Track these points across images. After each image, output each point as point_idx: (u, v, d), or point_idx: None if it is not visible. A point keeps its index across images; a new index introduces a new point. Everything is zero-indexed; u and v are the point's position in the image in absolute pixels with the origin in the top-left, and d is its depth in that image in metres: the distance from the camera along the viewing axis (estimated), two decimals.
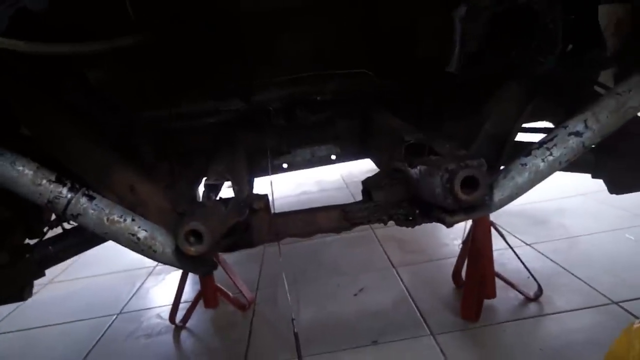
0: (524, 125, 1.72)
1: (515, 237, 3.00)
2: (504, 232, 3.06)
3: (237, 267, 3.28)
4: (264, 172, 1.95)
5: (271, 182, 1.73)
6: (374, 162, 1.81)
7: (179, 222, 1.00)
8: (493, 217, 3.37)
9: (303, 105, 1.82)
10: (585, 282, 2.32)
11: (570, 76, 1.53)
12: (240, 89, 1.81)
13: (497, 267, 2.48)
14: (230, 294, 2.64)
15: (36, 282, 1.63)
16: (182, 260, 1.09)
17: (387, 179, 1.42)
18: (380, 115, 1.75)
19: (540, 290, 2.25)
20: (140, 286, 3.21)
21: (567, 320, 2.05)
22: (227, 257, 3.49)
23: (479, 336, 2.03)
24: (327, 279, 2.85)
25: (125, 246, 1.14)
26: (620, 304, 2.10)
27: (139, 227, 1.11)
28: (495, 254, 2.68)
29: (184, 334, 2.49)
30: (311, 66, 1.73)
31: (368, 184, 1.43)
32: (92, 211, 1.10)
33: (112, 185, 1.29)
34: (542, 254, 2.71)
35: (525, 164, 1.06)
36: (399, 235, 3.38)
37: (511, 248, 2.33)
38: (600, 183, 1.94)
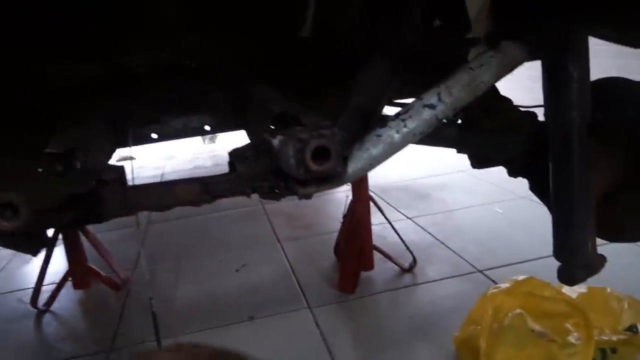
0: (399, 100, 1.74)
1: (399, 211, 3.11)
2: (389, 207, 3.18)
3: (116, 245, 3.10)
4: (135, 141, 1.81)
5: (131, 153, 1.60)
6: (247, 135, 1.74)
7: None
8: (380, 191, 3.49)
9: (176, 72, 1.70)
10: (456, 253, 2.45)
11: (440, 53, 1.56)
12: (103, 50, 1.65)
13: (377, 240, 2.54)
14: (103, 273, 2.46)
15: None
16: (4, 238, 0.95)
17: (253, 150, 1.36)
18: (257, 88, 1.68)
19: (414, 261, 2.34)
20: (3, 267, 2.91)
21: (436, 289, 2.16)
22: (104, 235, 3.28)
23: (354, 307, 2.07)
24: (210, 255, 2.76)
25: None
26: (485, 272, 2.24)
27: None
28: (377, 227, 2.75)
29: (47, 317, 2.29)
30: (187, 32, 1.62)
31: (233, 156, 1.36)
32: None
33: None
34: (421, 227, 2.83)
35: (380, 135, 1.05)
36: (288, 210, 3.37)
37: (389, 222, 2.39)
38: None
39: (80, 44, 1.60)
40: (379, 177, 3.88)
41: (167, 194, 1.31)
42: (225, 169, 1.33)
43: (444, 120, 1.09)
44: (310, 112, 1.33)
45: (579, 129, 1.18)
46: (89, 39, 1.62)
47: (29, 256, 3.02)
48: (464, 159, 2.20)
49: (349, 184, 2.26)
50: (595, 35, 1.02)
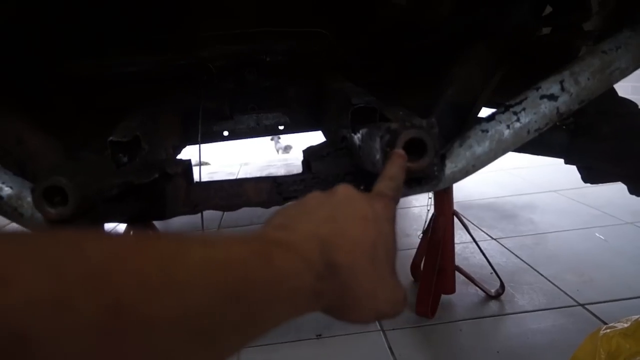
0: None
1: (482, 230, 2.84)
2: (470, 225, 2.91)
3: None
4: (206, 139, 1.73)
5: (199, 148, 1.50)
6: (324, 134, 1.60)
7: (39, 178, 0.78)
8: (459, 208, 3.22)
9: (250, 66, 1.61)
10: (550, 281, 2.16)
11: (550, 45, 1.35)
12: (180, 42, 1.59)
13: (459, 261, 2.30)
14: None
15: None
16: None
17: (331, 148, 1.21)
18: (334, 81, 1.54)
19: (502, 287, 2.08)
20: None
21: (528, 321, 1.89)
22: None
23: (432, 334, 1.85)
24: None
25: None
26: (586, 306, 1.94)
27: (3, 182, 0.87)
28: (458, 247, 2.51)
29: None
30: (261, 23, 1.53)
31: (307, 154, 1.22)
32: None
33: None
34: (508, 250, 2.55)
35: (487, 131, 0.86)
36: None
37: (474, 240, 2.15)
38: (573, 180, 1.76)
39: (155, 36, 1.55)
40: (458, 192, 3.61)
41: (235, 192, 1.19)
42: None
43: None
44: (396, 106, 1.16)
45: None
46: (164, 31, 1.56)
47: None
48: (554, 177, 1.93)
49: (431, 195, 2.05)
50: None
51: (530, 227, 2.86)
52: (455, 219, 2.04)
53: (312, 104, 1.63)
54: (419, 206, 3.26)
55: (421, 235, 2.16)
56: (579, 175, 1.50)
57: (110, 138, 1.12)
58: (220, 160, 6.25)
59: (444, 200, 1.95)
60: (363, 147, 0.97)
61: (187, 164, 1.19)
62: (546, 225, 2.84)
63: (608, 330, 1.35)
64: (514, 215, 3.08)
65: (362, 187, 1.09)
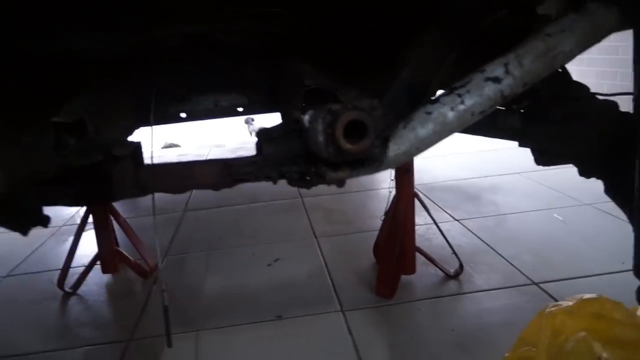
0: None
1: (446, 211, 2.88)
2: (435, 207, 2.95)
3: (147, 232, 3.03)
4: (163, 120, 1.69)
5: (151, 130, 1.47)
6: (281, 116, 1.58)
7: None
8: (425, 190, 3.26)
9: (207, 46, 1.57)
10: (507, 261, 2.21)
11: (506, 30, 1.35)
12: (131, 19, 1.53)
13: (422, 242, 2.34)
14: (132, 259, 2.38)
15: None
16: None
17: (283, 130, 1.20)
18: (292, 62, 1.52)
19: (461, 267, 2.12)
20: (38, 247, 2.89)
21: (484, 300, 1.93)
22: (140, 220, 3.22)
23: (391, 314, 1.87)
24: (244, 247, 2.63)
25: None
26: (541, 284, 2.00)
27: None
28: (421, 228, 2.55)
29: (73, 301, 2.22)
30: (219, 2, 1.48)
31: (260, 136, 1.20)
32: None
33: None
34: (470, 230, 2.59)
35: (430, 113, 0.86)
36: (328, 205, 3.20)
37: (434, 222, 2.18)
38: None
39: (107, 13, 1.49)
40: (424, 174, 3.66)
41: (185, 175, 1.17)
42: None
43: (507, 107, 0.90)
44: (351, 88, 1.15)
45: None
46: (117, 8, 1.50)
47: (64, 237, 3.00)
48: (519, 160, 1.96)
49: (393, 177, 2.06)
50: None
51: (492, 208, 2.91)
52: (416, 201, 2.06)
53: (271, 86, 1.61)
54: (387, 188, 3.29)
55: (383, 217, 2.17)
56: None
57: (54, 119, 1.09)
58: (192, 142, 6.17)
59: (404, 182, 1.97)
60: (309, 129, 0.96)
61: (136, 146, 1.16)
62: (508, 207, 2.90)
63: (553, 309, 1.38)
64: (478, 197, 3.13)
65: (312, 170, 1.08)
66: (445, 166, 3.88)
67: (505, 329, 1.72)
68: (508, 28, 1.38)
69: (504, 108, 1.57)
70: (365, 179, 3.67)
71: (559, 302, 1.42)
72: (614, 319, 1.29)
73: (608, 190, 1.40)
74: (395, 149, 0.85)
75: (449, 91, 0.88)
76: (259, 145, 1.20)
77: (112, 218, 2.35)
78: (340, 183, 0.96)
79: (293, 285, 2.16)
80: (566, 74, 1.54)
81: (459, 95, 0.86)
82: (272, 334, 1.80)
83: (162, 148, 6.05)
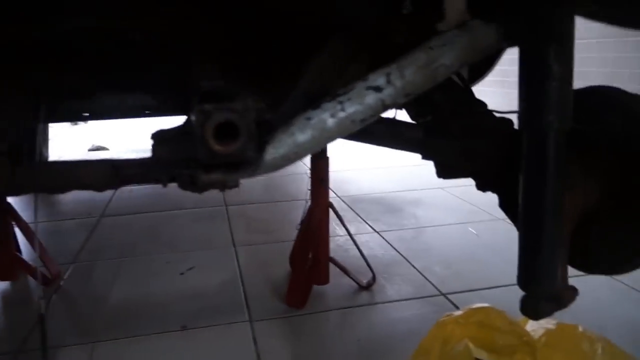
0: None
1: (367, 223, 2.92)
2: (357, 218, 2.98)
3: (59, 237, 2.87)
4: (63, 118, 1.60)
5: (47, 128, 1.39)
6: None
7: None
8: (350, 201, 3.29)
9: (114, 44, 1.51)
10: (420, 272, 2.26)
11: (408, 43, 1.38)
12: (33, 11, 1.45)
13: (340, 253, 2.35)
14: (34, 266, 2.23)
15: None
16: None
17: (179, 132, 1.16)
18: (202, 65, 1.49)
19: (374, 278, 2.14)
20: None
21: (393, 311, 1.95)
22: (53, 225, 3.05)
23: (299, 324, 1.85)
24: (157, 255, 2.53)
25: None
26: (448, 295, 2.05)
27: None
28: (341, 239, 2.57)
29: None
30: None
31: (155, 138, 1.16)
32: None
33: None
34: (387, 242, 2.63)
35: (310, 119, 0.86)
36: (251, 214, 3.16)
37: (349, 233, 2.19)
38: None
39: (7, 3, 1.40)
40: (351, 185, 3.70)
41: (68, 174, 1.11)
42: None
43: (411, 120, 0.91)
44: (249, 93, 1.13)
45: (556, 135, 0.99)
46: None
47: None
48: None
49: (309, 187, 2.06)
50: (582, 14, 0.84)
51: (412, 221, 2.97)
52: (331, 212, 2.06)
53: (178, 86, 1.56)
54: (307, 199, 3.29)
55: (299, 226, 2.16)
56: None
57: None
58: (121, 145, 5.94)
59: (319, 191, 1.97)
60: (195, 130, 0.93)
61: (14, 144, 1.08)
62: (427, 220, 2.97)
63: (446, 318, 1.42)
64: (400, 210, 3.19)
65: (185, 172, 1.04)
66: (372, 179, 3.94)
67: (410, 338, 1.73)
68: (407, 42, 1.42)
69: (409, 121, 1.61)
70: (294, 189, 3.66)
71: (451, 313, 1.47)
72: (495, 326, 1.34)
73: (502, 204, 1.46)
74: (273, 152, 0.84)
75: (331, 98, 0.87)
76: (152, 147, 1.15)
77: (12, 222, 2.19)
78: (225, 186, 0.93)
79: (204, 295, 2.10)
80: (469, 90, 1.60)
81: (340, 102, 0.86)
82: (174, 346, 1.73)
83: (89, 151, 5.79)
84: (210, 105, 0.76)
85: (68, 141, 6.10)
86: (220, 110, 0.74)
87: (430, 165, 1.50)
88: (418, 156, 1.45)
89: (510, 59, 1.96)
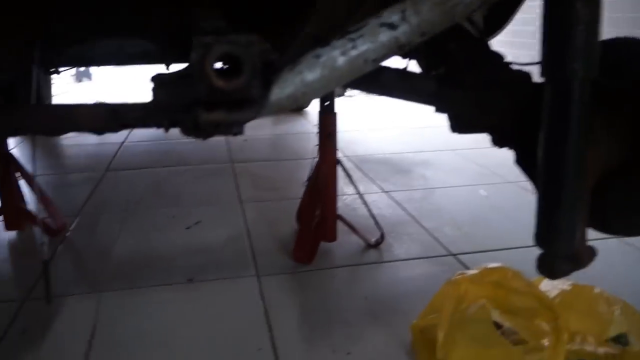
0: None
1: (375, 183, 2.87)
2: (365, 178, 2.94)
3: (65, 190, 2.86)
4: (62, 63, 1.54)
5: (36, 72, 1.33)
6: None
7: None
8: (358, 161, 3.24)
9: None
10: (429, 232, 2.22)
11: None
12: None
13: (348, 211, 2.32)
14: (39, 216, 2.22)
15: None
16: None
17: (180, 75, 1.10)
18: (202, 10, 1.41)
19: (382, 237, 2.11)
20: None
21: (401, 270, 1.93)
22: (58, 178, 3.04)
23: (306, 280, 1.84)
24: (165, 209, 2.52)
25: None
26: (458, 255, 2.02)
27: None
28: (349, 198, 2.53)
29: None
30: None
31: (155, 81, 1.10)
32: None
33: None
34: (396, 202, 2.59)
35: (319, 56, 0.79)
36: (257, 171, 3.13)
37: (357, 190, 2.15)
38: (471, 141, 1.71)
39: None
40: (359, 146, 3.63)
41: (65, 116, 1.06)
42: None
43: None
44: (253, 34, 1.07)
45: (580, 85, 0.92)
46: None
47: None
48: (455, 138, 1.97)
49: (316, 144, 2.00)
50: None
51: (421, 182, 2.92)
52: (339, 170, 2.01)
53: (181, 33, 1.49)
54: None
55: (306, 182, 2.12)
56: (476, 136, 1.48)
57: None
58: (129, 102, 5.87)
59: (327, 147, 1.91)
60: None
61: (7, 83, 1.04)
62: (436, 181, 2.92)
63: (459, 277, 1.39)
64: (409, 171, 3.13)
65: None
66: (380, 140, 3.87)
67: (418, 297, 1.71)
68: None
69: (420, 72, 1.53)
70: (301, 148, 3.61)
71: (465, 271, 1.43)
72: (513, 287, 1.31)
73: (518, 160, 1.40)
74: (278, 92, 0.78)
75: (342, 35, 0.81)
76: (152, 91, 1.10)
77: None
78: (232, 129, 0.88)
79: (210, 249, 2.08)
80: (483, 41, 1.51)
81: (352, 40, 0.79)
82: (180, 297, 1.72)
83: None
84: (211, 37, 0.70)
85: (72, 98, 6.04)
86: (221, 42, 0.68)
87: (439, 128, 1.44)
88: (427, 118, 1.40)
89: (522, 18, 1.86)
